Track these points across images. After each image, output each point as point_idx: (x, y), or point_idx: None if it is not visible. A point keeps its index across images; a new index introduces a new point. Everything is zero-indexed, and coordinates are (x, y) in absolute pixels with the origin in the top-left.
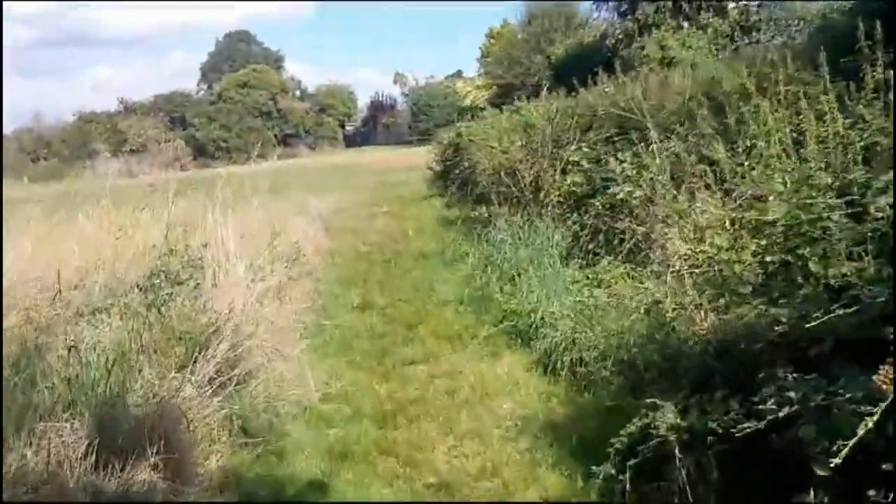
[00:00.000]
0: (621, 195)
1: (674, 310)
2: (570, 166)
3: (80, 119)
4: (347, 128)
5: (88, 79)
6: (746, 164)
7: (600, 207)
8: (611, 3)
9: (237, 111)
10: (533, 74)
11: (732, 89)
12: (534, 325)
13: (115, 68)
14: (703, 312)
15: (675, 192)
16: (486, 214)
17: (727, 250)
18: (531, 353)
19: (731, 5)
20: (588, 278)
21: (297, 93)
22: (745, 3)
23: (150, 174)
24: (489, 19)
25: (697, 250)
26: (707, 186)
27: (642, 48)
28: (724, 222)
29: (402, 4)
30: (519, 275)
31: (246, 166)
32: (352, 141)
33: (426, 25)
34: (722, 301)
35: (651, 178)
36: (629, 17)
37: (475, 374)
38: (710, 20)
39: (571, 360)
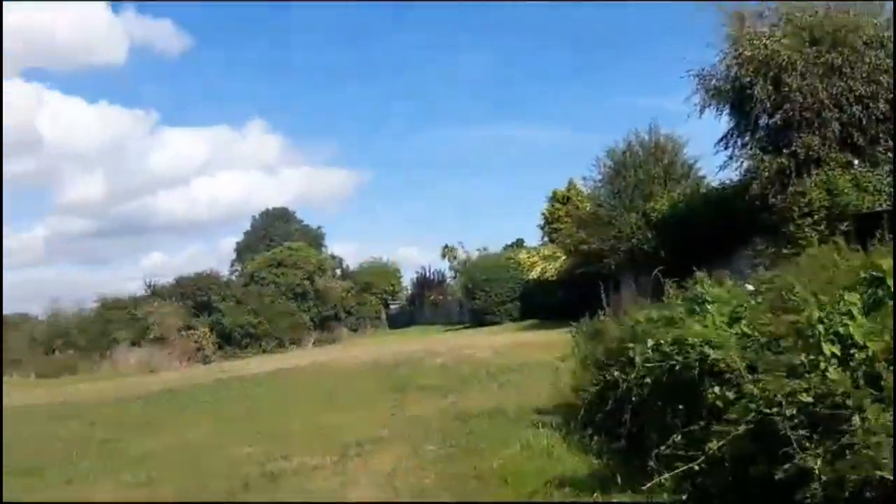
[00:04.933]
0: None
1: None
2: None
3: (101, 306)
4: (392, 307)
5: (143, 266)
6: None
7: None
8: (751, 136)
9: (269, 293)
10: (627, 238)
11: None
12: None
13: (170, 255)
14: None
15: None
16: None
17: None
18: None
19: None
20: None
21: (338, 272)
22: None
23: (170, 368)
24: (552, 182)
25: None
26: None
27: (802, 194)
28: None
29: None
30: None
31: (278, 355)
32: (396, 321)
33: (477, 197)
34: None
35: None
36: (785, 151)
37: None
38: (888, 154)
39: None
